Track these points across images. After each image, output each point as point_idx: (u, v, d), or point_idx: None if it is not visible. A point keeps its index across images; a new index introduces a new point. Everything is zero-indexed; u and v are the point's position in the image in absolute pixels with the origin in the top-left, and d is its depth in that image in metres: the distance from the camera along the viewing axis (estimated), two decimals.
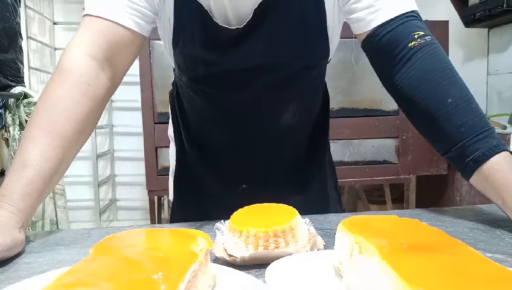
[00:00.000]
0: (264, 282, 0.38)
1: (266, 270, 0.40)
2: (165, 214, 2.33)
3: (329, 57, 0.72)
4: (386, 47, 0.61)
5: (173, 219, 0.85)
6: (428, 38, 0.60)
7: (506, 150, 0.57)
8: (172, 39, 0.67)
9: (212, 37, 0.64)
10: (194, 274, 0.32)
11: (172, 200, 0.87)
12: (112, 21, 0.61)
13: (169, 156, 0.89)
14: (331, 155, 0.88)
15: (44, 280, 0.36)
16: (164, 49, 0.74)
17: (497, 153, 0.56)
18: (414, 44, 0.60)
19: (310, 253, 0.46)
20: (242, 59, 0.65)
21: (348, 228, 0.39)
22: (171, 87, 0.86)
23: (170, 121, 0.88)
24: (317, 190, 0.81)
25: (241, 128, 0.73)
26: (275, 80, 0.67)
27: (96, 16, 0.61)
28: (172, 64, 0.74)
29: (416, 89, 0.60)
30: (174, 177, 0.86)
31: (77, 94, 0.59)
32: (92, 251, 0.35)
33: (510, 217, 0.55)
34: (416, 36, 0.60)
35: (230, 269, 0.41)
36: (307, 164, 0.80)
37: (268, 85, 0.68)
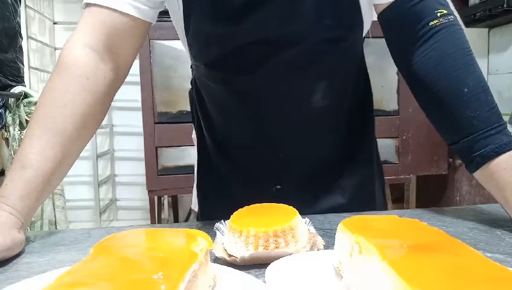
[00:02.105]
0: (264, 282, 0.38)
1: (266, 270, 0.40)
2: (165, 214, 2.33)
3: (364, 30, 0.65)
4: (406, 22, 0.58)
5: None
6: (451, 18, 0.57)
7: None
8: (184, 22, 0.63)
9: (222, 6, 0.59)
10: (194, 274, 0.32)
11: (196, 211, 0.81)
12: (110, 8, 0.58)
13: (194, 162, 0.83)
14: (378, 152, 0.79)
15: (44, 280, 0.36)
16: (181, 45, 0.68)
17: (507, 151, 0.54)
18: (436, 23, 0.57)
19: (310, 253, 0.45)
20: (256, 29, 0.59)
21: (348, 228, 0.39)
22: (190, 87, 0.81)
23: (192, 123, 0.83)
24: (363, 190, 0.73)
25: (266, 115, 0.66)
26: (296, 54, 0.61)
27: (94, 5, 0.59)
28: (189, 58, 0.70)
29: (433, 71, 0.57)
30: (197, 184, 0.80)
31: (76, 88, 0.57)
32: (92, 251, 0.35)
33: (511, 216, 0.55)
34: (438, 14, 0.57)
35: (230, 269, 0.41)
36: (349, 158, 0.72)
37: (290, 61, 0.61)
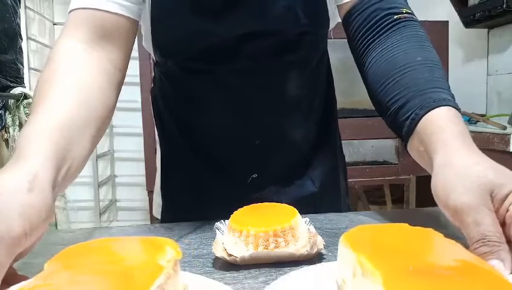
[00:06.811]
0: (264, 282, 0.38)
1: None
2: None
3: (330, 26, 0.70)
4: (370, 15, 0.59)
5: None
6: (415, 17, 0.59)
7: (453, 106, 0.48)
8: (151, 19, 0.62)
9: (202, 2, 0.60)
10: (160, 289, 0.30)
11: (159, 217, 0.80)
12: (92, 8, 0.57)
13: (157, 167, 0.81)
14: (341, 145, 0.84)
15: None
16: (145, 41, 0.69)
17: (438, 107, 0.48)
18: (400, 16, 0.58)
19: (311, 268, 0.42)
20: (238, 25, 0.61)
21: (350, 244, 0.35)
22: (152, 85, 0.80)
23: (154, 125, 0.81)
24: (329, 179, 0.77)
25: (246, 103, 0.67)
26: (272, 43, 0.64)
27: (76, 9, 0.58)
28: (153, 56, 0.70)
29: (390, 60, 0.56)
30: (162, 184, 0.78)
31: (73, 71, 0.53)
32: (46, 266, 0.32)
33: (439, 198, 0.45)
34: (404, 11, 0.59)
35: (204, 278, 0.39)
36: (318, 148, 0.75)
37: (267, 49, 0.64)
